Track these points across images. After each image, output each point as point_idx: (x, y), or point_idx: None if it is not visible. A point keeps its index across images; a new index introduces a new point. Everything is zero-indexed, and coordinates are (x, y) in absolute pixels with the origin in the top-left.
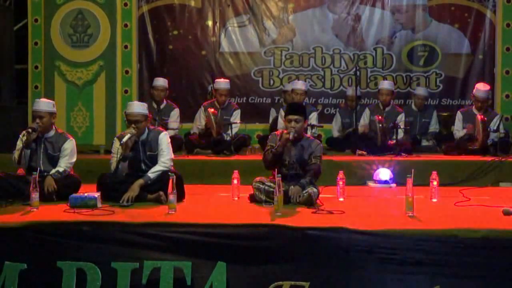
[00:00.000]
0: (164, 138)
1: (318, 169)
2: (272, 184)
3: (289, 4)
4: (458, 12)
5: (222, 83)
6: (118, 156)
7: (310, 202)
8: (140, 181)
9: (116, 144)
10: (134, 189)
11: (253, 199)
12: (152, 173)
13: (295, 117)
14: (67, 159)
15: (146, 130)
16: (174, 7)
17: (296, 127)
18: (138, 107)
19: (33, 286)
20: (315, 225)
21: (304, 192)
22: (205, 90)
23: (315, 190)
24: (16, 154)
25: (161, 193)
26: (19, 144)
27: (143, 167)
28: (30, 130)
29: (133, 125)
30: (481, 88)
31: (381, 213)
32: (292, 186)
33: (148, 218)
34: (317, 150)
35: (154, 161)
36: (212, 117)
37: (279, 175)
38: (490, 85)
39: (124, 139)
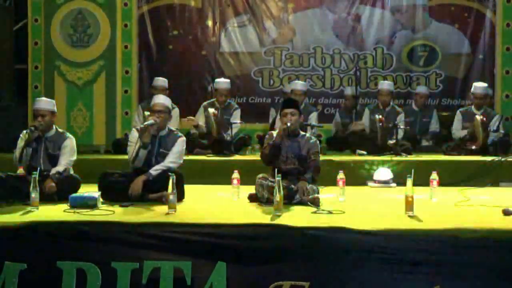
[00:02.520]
0: (182, 143)
1: (318, 166)
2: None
3: (289, 4)
4: (458, 12)
5: (222, 83)
6: (137, 145)
7: (315, 203)
8: (143, 177)
9: (134, 134)
10: (139, 185)
11: (253, 199)
12: (155, 170)
13: (290, 110)
14: (67, 156)
15: (167, 129)
16: (174, 7)
17: (292, 119)
18: (163, 99)
19: (33, 286)
20: (315, 225)
21: (308, 187)
22: (205, 90)
23: (315, 188)
24: (17, 152)
25: (165, 193)
26: (20, 143)
27: (154, 162)
28: (32, 128)
29: (156, 115)
30: (478, 85)
31: (381, 213)
32: (292, 184)
33: (148, 218)
34: (315, 146)
35: (165, 158)
36: (212, 118)
37: (279, 174)
38: (490, 85)
39: (148, 122)
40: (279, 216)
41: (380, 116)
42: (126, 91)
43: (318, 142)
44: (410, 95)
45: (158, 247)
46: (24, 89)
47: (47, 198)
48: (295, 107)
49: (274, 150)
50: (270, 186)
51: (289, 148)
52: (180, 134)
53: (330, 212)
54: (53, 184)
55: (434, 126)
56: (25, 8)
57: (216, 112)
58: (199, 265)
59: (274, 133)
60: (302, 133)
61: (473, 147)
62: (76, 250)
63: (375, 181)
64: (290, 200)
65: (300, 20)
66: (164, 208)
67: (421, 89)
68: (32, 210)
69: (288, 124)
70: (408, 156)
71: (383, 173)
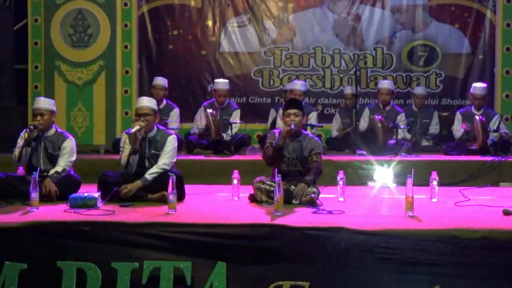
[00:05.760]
0: (172, 141)
1: (320, 167)
2: (273, 183)
3: (289, 4)
4: (458, 12)
5: (221, 83)
6: (128, 150)
7: (312, 203)
8: (139, 183)
9: (125, 138)
10: (132, 191)
11: (253, 199)
12: (150, 174)
13: (294, 111)
14: (67, 157)
15: (155, 129)
16: (174, 7)
17: (295, 120)
18: (148, 101)
19: (33, 286)
20: (315, 225)
21: (308, 190)
22: (205, 90)
23: (315, 190)
24: (16, 151)
25: (165, 193)
26: (20, 142)
27: (147, 164)
28: (32, 127)
29: (142, 118)
30: (477, 85)
31: (381, 213)
32: (294, 186)
33: (148, 218)
34: (317, 147)
35: (158, 160)
36: (210, 119)
37: (279, 175)
38: (490, 85)
39: (133, 130)
40: (279, 216)
41: (380, 116)
42: (126, 91)
43: (320, 142)
44: (410, 95)
45: (158, 247)
46: (24, 89)
47: (47, 198)
48: (299, 108)
49: (277, 152)
50: (268, 190)
51: (291, 150)
52: (170, 132)
53: (330, 212)
54: (53, 185)
55: (434, 127)
56: (25, 8)
57: (214, 112)
58: (199, 265)
59: (276, 132)
60: (304, 132)
61: (473, 147)
62: (76, 250)
63: (375, 181)
64: (288, 202)
65: (300, 20)
66: (164, 208)
67: (419, 90)
68: (32, 210)
69: (292, 126)
70: (408, 156)
71: (383, 173)
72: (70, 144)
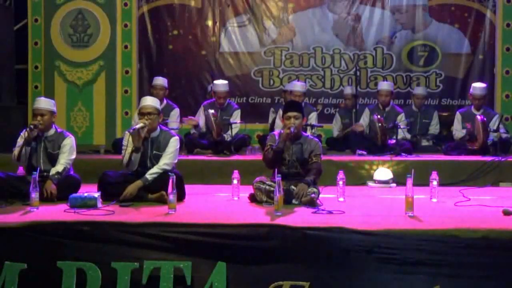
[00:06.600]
0: (174, 143)
1: (320, 168)
2: (273, 184)
3: (289, 4)
4: (458, 12)
5: (220, 85)
6: (130, 148)
7: (312, 203)
8: (139, 183)
9: (127, 137)
10: (134, 192)
11: (253, 199)
12: (150, 174)
13: (294, 113)
14: (67, 155)
15: (159, 129)
16: (174, 7)
17: (295, 123)
18: (152, 101)
19: (33, 286)
20: (315, 225)
21: (308, 190)
22: (205, 90)
23: (315, 190)
24: (16, 151)
25: (164, 192)
26: (20, 141)
27: (149, 164)
28: (32, 126)
29: (146, 117)
30: (477, 85)
31: (381, 213)
32: (294, 186)
33: (148, 218)
34: (317, 148)
35: (159, 160)
36: (212, 119)
37: (279, 175)
38: (490, 85)
39: (137, 126)
40: (279, 216)
41: (379, 116)
42: (126, 91)
43: (320, 144)
44: (410, 95)
45: (158, 247)
46: (24, 89)
47: (47, 199)
48: (299, 110)
49: (277, 155)
50: (268, 190)
51: (291, 152)
52: (173, 133)
53: (330, 212)
54: (54, 187)
55: (434, 128)
56: (25, 8)
57: (215, 113)
58: (199, 265)
59: (276, 134)
60: (304, 134)
61: (473, 147)
62: (76, 250)
63: (375, 181)
64: (288, 203)
65: (300, 20)
66: (164, 208)
67: (419, 90)
68: (32, 210)
69: (292, 129)
70: (408, 156)
71: (383, 173)
72: (69, 141)
